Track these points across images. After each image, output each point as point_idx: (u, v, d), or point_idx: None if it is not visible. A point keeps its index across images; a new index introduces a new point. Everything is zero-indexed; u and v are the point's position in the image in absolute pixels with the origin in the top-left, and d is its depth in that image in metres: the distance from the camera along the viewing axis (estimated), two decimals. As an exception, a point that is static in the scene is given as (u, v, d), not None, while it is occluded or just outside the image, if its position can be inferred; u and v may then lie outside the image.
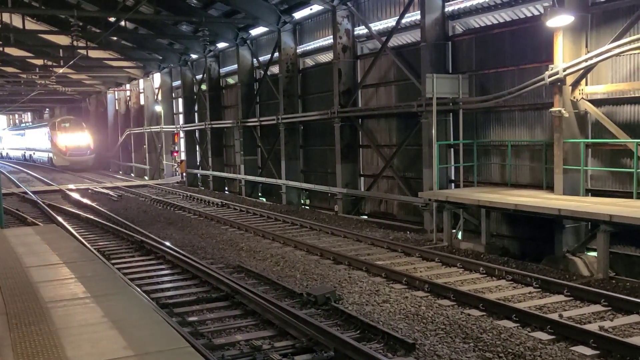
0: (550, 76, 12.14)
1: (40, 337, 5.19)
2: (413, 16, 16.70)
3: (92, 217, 18.77)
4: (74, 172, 42.34)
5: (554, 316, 8.34)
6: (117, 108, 47.28)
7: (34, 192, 25.81)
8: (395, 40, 17.84)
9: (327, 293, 9.19)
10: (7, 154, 69.85)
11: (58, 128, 47.40)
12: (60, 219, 18.29)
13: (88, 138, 47.48)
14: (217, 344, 7.59)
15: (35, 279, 7.28)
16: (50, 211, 20.03)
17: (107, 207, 21.66)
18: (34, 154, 56.03)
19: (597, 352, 7.17)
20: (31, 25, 30.25)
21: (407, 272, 11.04)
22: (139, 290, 9.63)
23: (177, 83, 34.92)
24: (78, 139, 46.96)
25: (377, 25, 18.32)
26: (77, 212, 19.98)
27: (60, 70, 35.48)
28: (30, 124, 63.38)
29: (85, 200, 23.17)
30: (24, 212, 19.83)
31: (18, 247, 9.35)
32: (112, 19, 24.25)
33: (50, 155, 48.83)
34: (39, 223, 17.24)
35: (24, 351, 4.86)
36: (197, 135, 33.00)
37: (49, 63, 34.74)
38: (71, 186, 29.73)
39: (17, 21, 26.61)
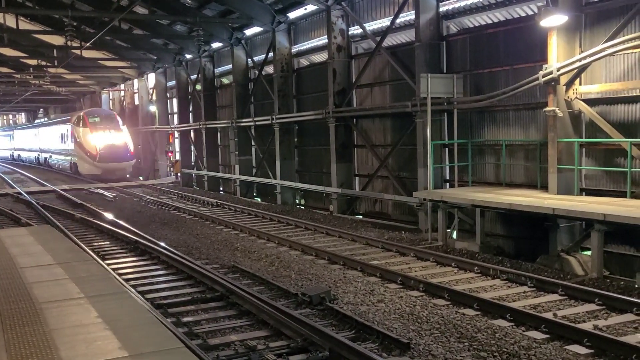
0: (544, 76, 12.17)
1: (35, 338, 5.18)
2: (407, 16, 16.72)
3: (86, 217, 18.72)
4: (107, 182, 32.50)
5: (549, 315, 8.36)
6: (111, 108, 47.16)
7: (28, 193, 25.71)
8: (390, 40, 17.85)
9: (322, 293, 9.19)
10: (18, 155, 59.19)
11: (85, 124, 35.32)
12: (54, 219, 18.23)
13: (126, 137, 36.01)
14: (212, 345, 7.58)
15: (29, 279, 7.27)
16: (45, 212, 19.96)
17: (101, 207, 21.60)
18: (50, 157, 44.60)
19: (591, 351, 7.19)
20: (25, 25, 30.16)
21: (402, 271, 11.05)
22: (133, 290, 9.61)
23: (172, 83, 34.88)
24: (113, 138, 35.10)
25: (372, 25, 18.33)
26: (71, 212, 19.92)
27: (54, 71, 35.40)
28: (46, 119, 50.44)
29: (80, 201, 23.09)
30: (18, 212, 19.77)
31: (12, 248, 9.33)
32: (106, 19, 24.18)
33: (74, 159, 37.02)
34: (33, 224, 17.18)
35: (18, 352, 4.84)
36: (191, 135, 32.97)
37: (43, 63, 34.68)
38: (65, 186, 29.64)
39: (10, 21, 26.52)
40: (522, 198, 12.13)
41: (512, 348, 7.18)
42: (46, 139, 44.90)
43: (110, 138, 34.97)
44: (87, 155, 34.82)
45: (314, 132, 21.97)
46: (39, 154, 48.49)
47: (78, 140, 35.62)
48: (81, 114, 36.79)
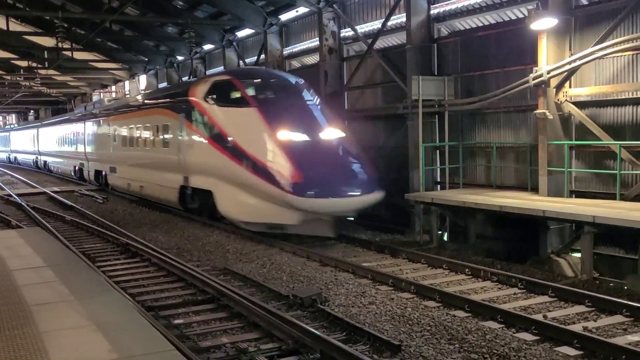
0: (534, 78, 12.24)
1: (24, 340, 5.16)
2: (399, 18, 16.76)
3: (77, 219, 18.63)
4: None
5: (539, 317, 8.39)
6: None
7: (19, 195, 25.56)
8: (381, 43, 17.90)
9: (313, 295, 9.19)
10: (44, 163, 40.85)
11: (240, 99, 15.07)
12: (45, 221, 18.14)
13: (347, 134, 15.22)
14: (203, 347, 7.57)
15: (19, 282, 7.24)
16: (35, 214, 19.86)
17: (92, 209, 21.50)
18: (112, 170, 25.47)
19: (581, 352, 7.23)
20: (15, 26, 30.06)
21: (393, 273, 11.07)
22: (124, 293, 9.57)
23: (163, 85, 34.79)
24: (322, 134, 14.30)
25: (363, 28, 18.37)
26: (62, 214, 19.83)
27: (45, 72, 35.27)
28: (96, 106, 29.96)
29: (71, 203, 22.98)
30: (7, 215, 19.65)
31: (2, 250, 9.29)
32: (97, 21, 24.13)
33: (200, 182, 16.63)
34: (23, 226, 17.09)
35: (8, 355, 4.83)
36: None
37: (34, 65, 34.52)
38: (56, 188, 29.49)
39: (0, 22, 26.42)
40: (512, 200, 12.19)
41: (503, 350, 7.21)
42: (100, 139, 26.69)
43: (315, 134, 14.34)
44: (263, 177, 13.69)
45: (305, 134, 21.93)
46: (82, 164, 30.64)
47: (229, 139, 14.85)
48: (223, 76, 16.79)
